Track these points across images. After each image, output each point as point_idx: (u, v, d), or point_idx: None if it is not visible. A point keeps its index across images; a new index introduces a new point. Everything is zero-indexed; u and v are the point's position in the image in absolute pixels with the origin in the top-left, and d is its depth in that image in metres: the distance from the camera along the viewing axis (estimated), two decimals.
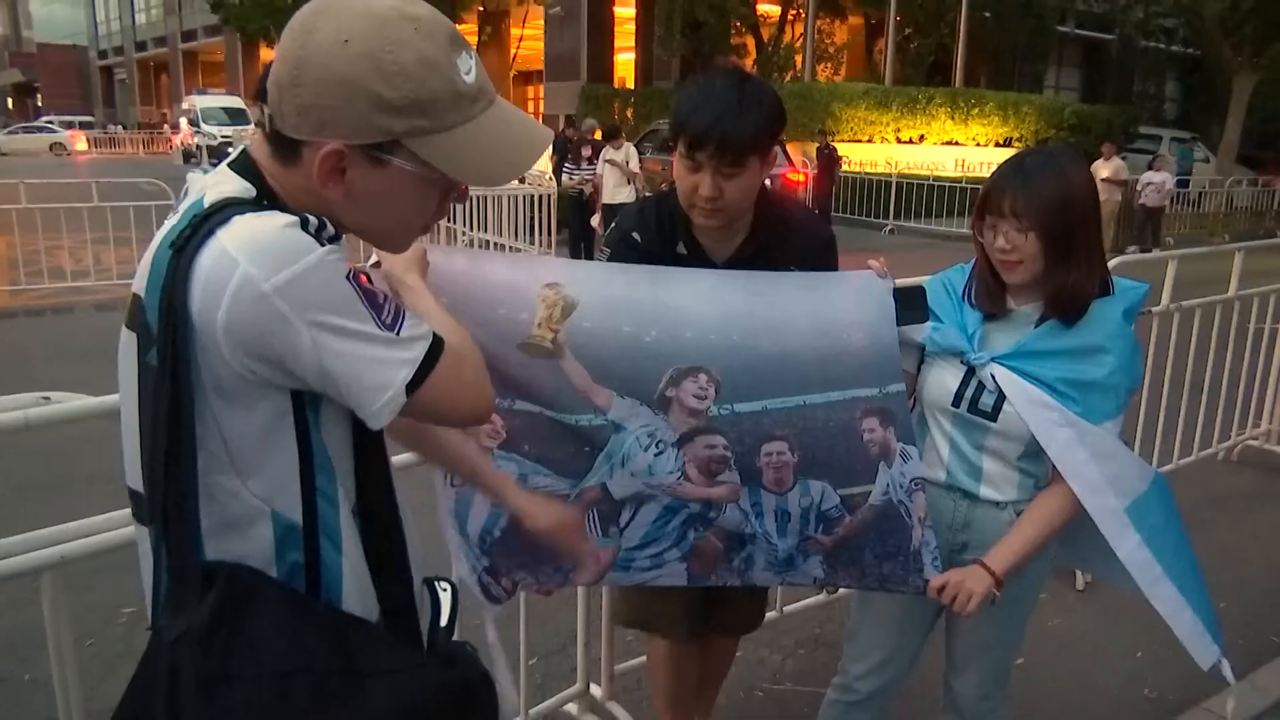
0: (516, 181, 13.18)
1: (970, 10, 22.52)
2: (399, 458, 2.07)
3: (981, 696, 2.02)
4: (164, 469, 1.05)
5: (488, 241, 11.43)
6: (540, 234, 11.29)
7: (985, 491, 1.89)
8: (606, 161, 10.96)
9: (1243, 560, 4.03)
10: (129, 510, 1.74)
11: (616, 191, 10.92)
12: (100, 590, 3.22)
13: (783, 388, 1.74)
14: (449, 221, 11.71)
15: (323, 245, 1.03)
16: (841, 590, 3.15)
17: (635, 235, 1.93)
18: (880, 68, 25.13)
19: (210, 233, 1.01)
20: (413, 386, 1.07)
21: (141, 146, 39.73)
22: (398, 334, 1.07)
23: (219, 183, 1.10)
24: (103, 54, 63.92)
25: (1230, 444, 5.00)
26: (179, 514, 1.06)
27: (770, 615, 3.16)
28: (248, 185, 1.10)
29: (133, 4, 57.55)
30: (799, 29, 26.57)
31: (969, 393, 1.85)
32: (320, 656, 1.08)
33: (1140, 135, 23.00)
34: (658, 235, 1.91)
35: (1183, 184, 18.36)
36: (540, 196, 11.42)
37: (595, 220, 11.17)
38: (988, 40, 27.12)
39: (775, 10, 28.07)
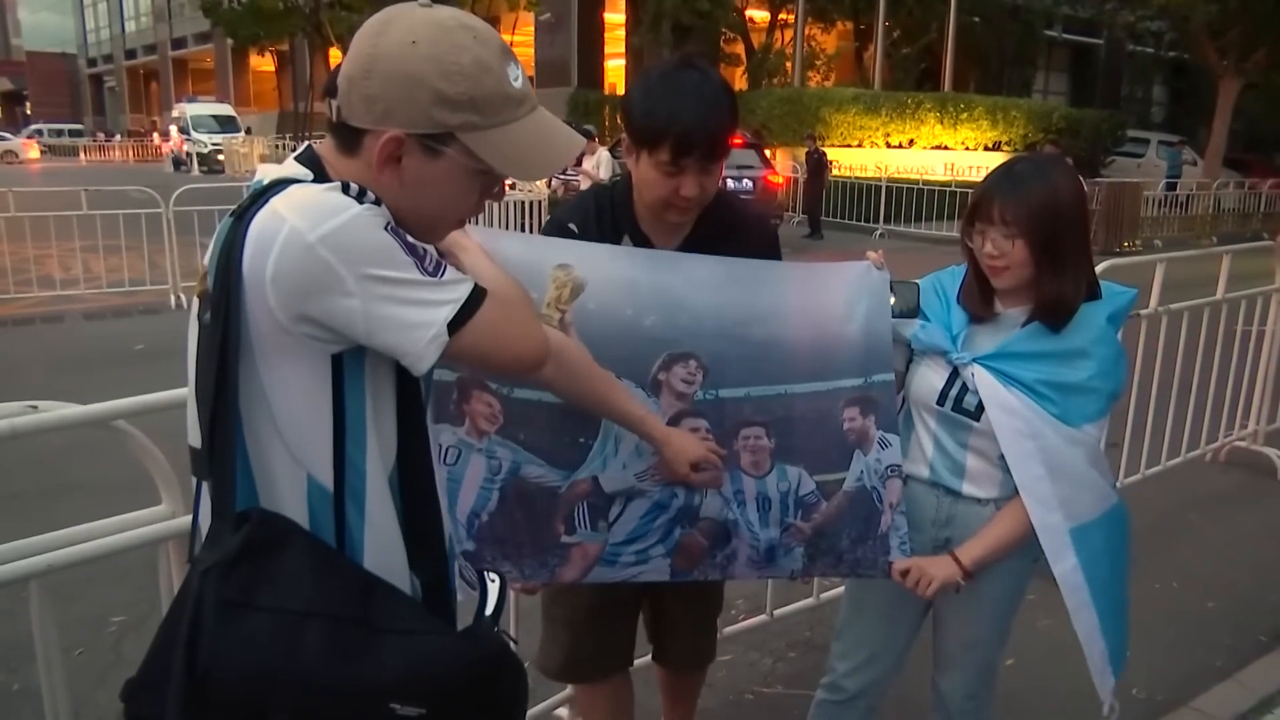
0: (506, 186, 13.23)
1: (958, 15, 22.64)
2: None
3: (967, 696, 2.03)
4: (211, 418, 1.14)
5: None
6: None
7: (968, 488, 1.92)
8: (581, 170, 10.82)
9: (1229, 560, 4.06)
10: (116, 518, 1.75)
11: None
12: (90, 599, 3.22)
13: (767, 376, 1.80)
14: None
15: (361, 204, 1.13)
16: (828, 593, 3.17)
17: (572, 226, 1.90)
18: (869, 73, 25.24)
19: (266, 200, 1.13)
20: (455, 326, 1.15)
21: (132, 154, 39.66)
22: (440, 278, 1.15)
23: (282, 168, 1.22)
24: (92, 62, 63.83)
25: (1218, 445, 5.04)
26: (222, 462, 1.15)
27: (760, 619, 3.18)
28: (307, 171, 1.21)
29: (122, 12, 57.49)
30: (788, 35, 26.65)
31: (954, 392, 1.88)
32: (340, 604, 1.13)
33: (1128, 139, 23.15)
34: (598, 227, 1.88)
35: (1171, 187, 18.48)
36: (531, 202, 11.43)
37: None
38: (976, 45, 27.28)
39: (765, 16, 28.17)
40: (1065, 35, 31.88)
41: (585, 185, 10.71)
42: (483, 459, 1.75)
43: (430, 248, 1.19)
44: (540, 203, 11.52)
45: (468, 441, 1.74)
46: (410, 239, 1.16)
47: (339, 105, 1.19)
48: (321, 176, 1.20)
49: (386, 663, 1.13)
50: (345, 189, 1.14)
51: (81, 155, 39.46)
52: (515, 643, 1.34)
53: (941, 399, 1.90)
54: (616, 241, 1.88)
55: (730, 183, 12.60)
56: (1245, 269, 5.07)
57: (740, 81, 27.76)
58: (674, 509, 1.81)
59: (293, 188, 1.14)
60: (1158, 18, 22.92)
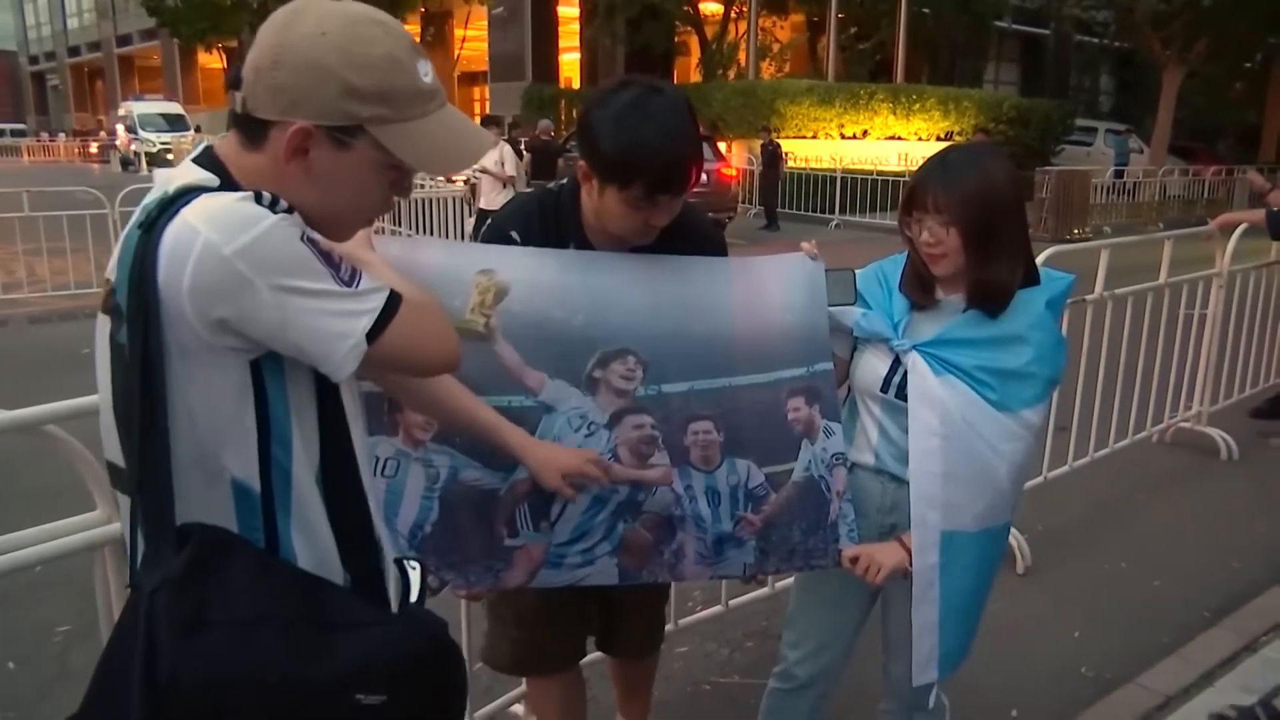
0: (461, 182, 13.15)
1: (910, 7, 22.85)
2: None
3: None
4: (139, 439, 1.13)
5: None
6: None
7: None
8: (478, 169, 10.16)
9: (1176, 539, 4.15)
10: (50, 525, 1.72)
11: (492, 195, 10.14)
12: (34, 608, 3.15)
13: (709, 369, 1.80)
14: (394, 225, 11.61)
15: (275, 214, 1.11)
16: (782, 582, 3.19)
17: (514, 234, 1.86)
18: (823, 65, 25.39)
19: (176, 211, 1.10)
20: (373, 335, 1.15)
21: (77, 154, 38.78)
22: (355, 288, 1.15)
23: (183, 174, 1.19)
24: (34, 59, 62.25)
25: (1163, 427, 5.15)
26: (154, 481, 1.14)
27: (716, 610, 3.19)
28: (211, 176, 1.18)
29: (64, 8, 56.12)
30: (742, 27, 26.72)
31: (896, 379, 1.90)
32: (289, 606, 1.14)
33: (1077, 128, 23.54)
34: (543, 234, 1.84)
35: (1119, 174, 18.83)
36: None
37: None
38: (927, 37, 27.54)
39: (718, 9, 28.21)
40: (1015, 26, 32.29)
41: (486, 182, 10.28)
42: (421, 468, 1.73)
43: (342, 256, 1.18)
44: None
45: (405, 451, 1.72)
46: (325, 249, 1.15)
47: (244, 97, 1.17)
48: (225, 180, 1.18)
49: (343, 657, 1.14)
50: (258, 198, 1.12)
51: (25, 155, 38.48)
52: (445, 622, 1.35)
53: (885, 386, 1.91)
54: (562, 249, 1.85)
55: None
56: (1188, 254, 5.18)
57: (694, 74, 27.81)
58: (614, 503, 1.80)
59: (204, 198, 1.12)
60: (1102, 7, 23.31)
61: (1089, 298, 4.36)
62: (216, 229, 1.07)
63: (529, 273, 1.73)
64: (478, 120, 10.88)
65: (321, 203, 1.20)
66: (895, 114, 20.98)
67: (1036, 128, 21.45)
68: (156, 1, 30.74)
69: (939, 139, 20.41)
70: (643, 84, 1.73)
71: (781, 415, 1.85)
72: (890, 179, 17.07)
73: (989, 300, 1.84)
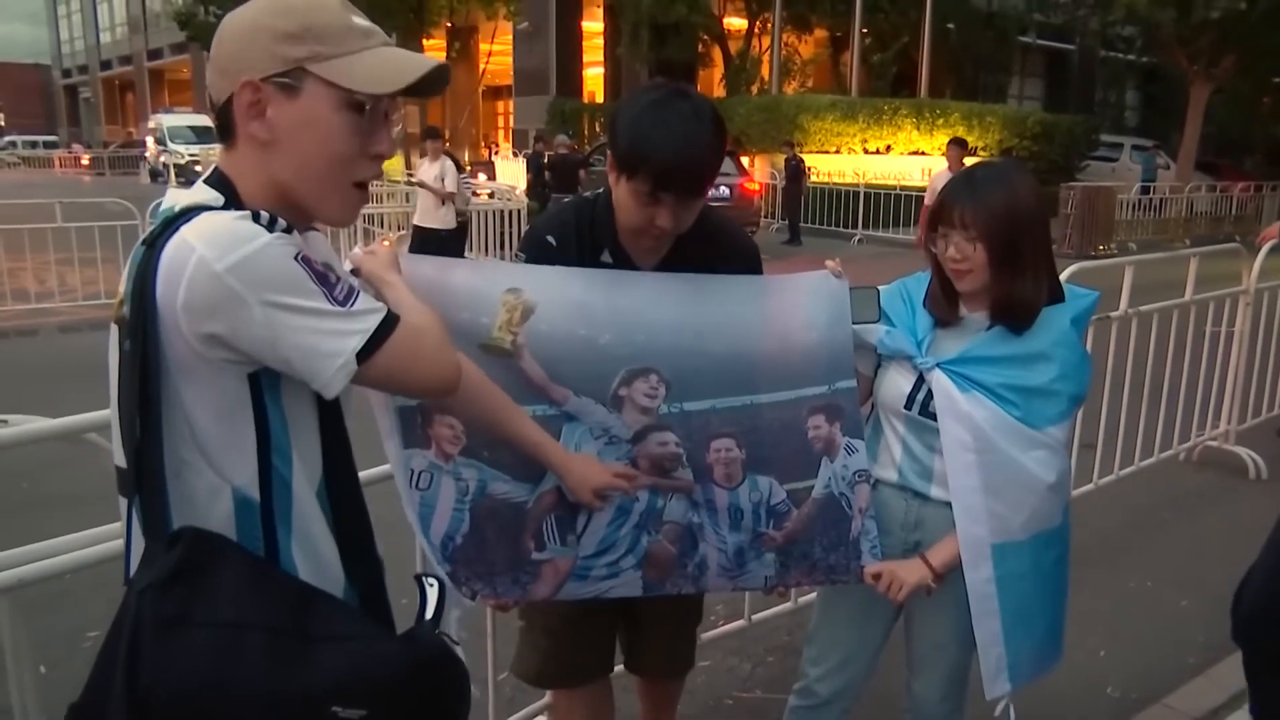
0: (486, 196, 13.24)
1: (933, 22, 22.82)
2: (375, 470, 2.09)
3: (940, 698, 2.05)
4: (136, 444, 1.15)
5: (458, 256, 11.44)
6: (510, 248, 11.30)
7: (936, 492, 1.93)
8: (415, 182, 9.32)
9: (1203, 558, 4.11)
10: (87, 532, 1.75)
11: (429, 213, 9.36)
12: (65, 614, 3.19)
13: (731, 387, 1.81)
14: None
15: (272, 233, 1.14)
16: (805, 597, 3.19)
17: (551, 239, 1.90)
18: (846, 80, 25.38)
19: (176, 229, 1.14)
20: (365, 355, 1.17)
21: (107, 166, 39.32)
22: (349, 308, 1.17)
23: (192, 194, 1.23)
24: (66, 73, 63.30)
25: (1190, 445, 5.10)
26: (151, 484, 1.16)
27: (739, 624, 3.19)
28: (217, 195, 1.22)
29: (97, 23, 57.06)
30: (765, 42, 26.79)
31: (920, 396, 1.91)
32: (276, 615, 1.15)
33: (1102, 143, 23.39)
34: (578, 243, 1.88)
35: (1145, 190, 18.68)
36: (510, 211, 11.44)
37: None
38: (951, 52, 27.49)
39: (742, 24, 28.30)
40: (1039, 41, 32.18)
41: (425, 198, 9.39)
42: (452, 481, 1.76)
43: (344, 275, 1.21)
44: (520, 211, 11.53)
45: (437, 464, 1.76)
46: (321, 268, 1.16)
47: (210, 95, 1.23)
48: (232, 198, 1.21)
49: (325, 669, 1.14)
50: (256, 217, 1.15)
51: (56, 166, 39.07)
52: (457, 644, 1.35)
53: (909, 403, 1.92)
54: (596, 256, 1.89)
55: None
56: (1214, 271, 5.14)
57: (718, 88, 27.87)
58: (637, 513, 1.82)
59: (203, 215, 1.15)
60: (1127, 22, 23.17)
61: (1114, 315, 4.34)
62: (210, 246, 1.10)
63: (555, 292, 1.76)
64: (424, 130, 10.43)
65: (300, 164, 1.23)
66: (919, 129, 20.92)
67: (1061, 143, 21.32)
68: (188, 16, 31.28)
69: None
70: (673, 88, 1.79)
71: (802, 433, 1.86)
72: (913, 194, 17.00)
73: (1014, 317, 1.84)
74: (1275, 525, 2.32)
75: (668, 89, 1.78)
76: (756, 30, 27.62)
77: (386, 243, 1.53)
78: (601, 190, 1.91)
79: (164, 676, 1.09)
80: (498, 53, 29.56)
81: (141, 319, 1.13)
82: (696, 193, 1.74)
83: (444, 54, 26.06)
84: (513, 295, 1.73)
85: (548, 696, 2.73)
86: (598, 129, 26.24)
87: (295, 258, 1.14)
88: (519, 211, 11.54)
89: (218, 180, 1.24)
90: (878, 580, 1.89)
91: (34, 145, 43.34)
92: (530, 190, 14.51)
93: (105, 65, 56.77)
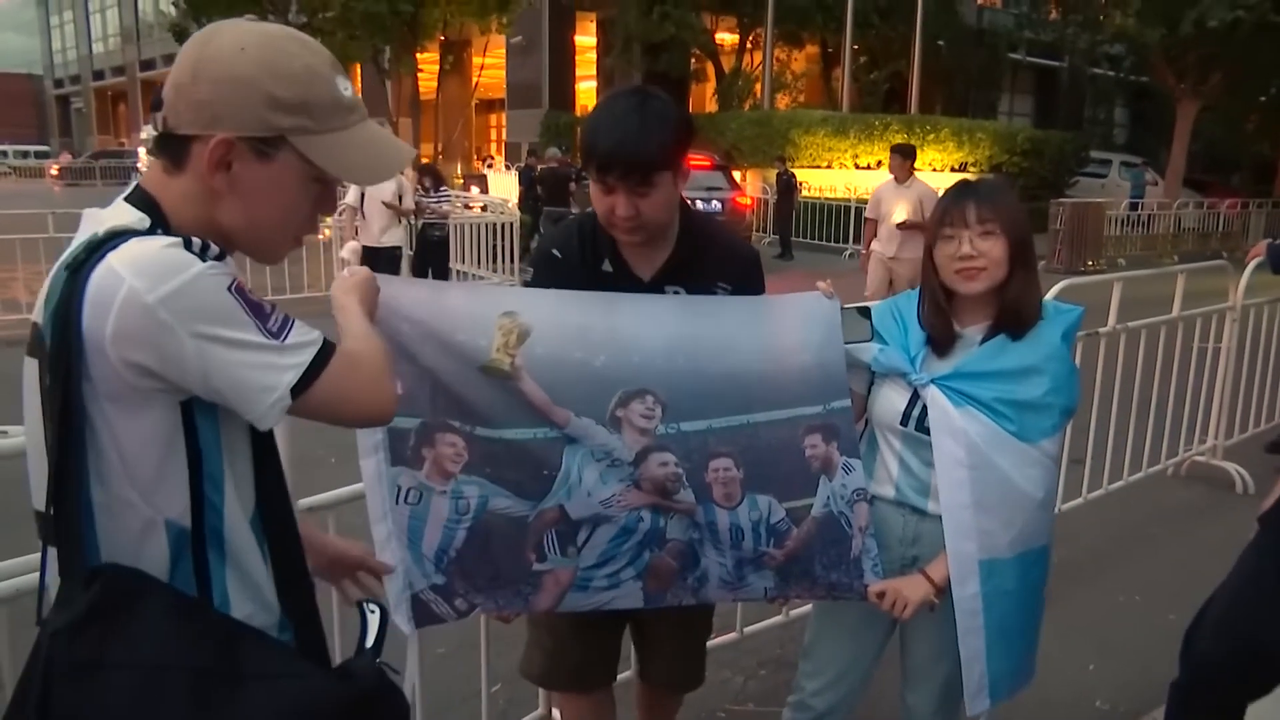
0: (479, 209, 13.24)
1: (924, 39, 22.99)
2: (347, 489, 2.10)
3: (934, 710, 2.07)
4: (56, 480, 1.12)
5: (452, 269, 11.43)
6: (502, 261, 11.31)
7: (933, 507, 1.95)
8: (381, 202, 8.46)
9: (1191, 572, 4.11)
10: None
11: (384, 232, 8.62)
12: None
13: (727, 407, 1.82)
14: (410, 250, 11.69)
15: (205, 262, 1.11)
16: (797, 610, 3.21)
17: (556, 253, 1.96)
18: (837, 95, 25.54)
19: (102, 256, 1.10)
20: (300, 389, 1.14)
21: (99, 177, 39.17)
22: (283, 341, 1.14)
23: (115, 215, 1.18)
24: (59, 83, 63.18)
25: (1178, 460, 5.14)
26: (72, 524, 1.13)
27: (730, 637, 3.20)
28: (142, 216, 1.17)
29: (90, 33, 56.99)
30: (758, 57, 26.94)
31: (915, 412, 1.93)
32: (199, 655, 1.12)
33: (1091, 160, 23.57)
34: (581, 253, 1.93)
35: (1134, 207, 18.82)
36: (502, 225, 11.45)
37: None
38: (942, 69, 27.70)
39: (734, 39, 28.47)
40: (1029, 58, 32.46)
41: (379, 219, 8.50)
42: (446, 499, 1.77)
43: (276, 306, 1.18)
44: (513, 224, 11.54)
45: (428, 485, 1.76)
46: (255, 299, 1.14)
47: (165, 116, 1.18)
48: (156, 218, 1.17)
49: (254, 708, 1.12)
50: (188, 244, 1.12)
51: (47, 176, 38.93)
52: (396, 673, 1.33)
53: (904, 419, 1.94)
54: (598, 266, 1.92)
55: (699, 204, 12.68)
56: (1201, 287, 5.19)
57: (710, 103, 28.00)
58: (641, 532, 1.83)
59: (132, 242, 1.11)
60: (1115, 40, 23.39)
61: (1102, 330, 4.38)
62: (140, 276, 1.07)
63: (550, 314, 1.78)
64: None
65: (248, 220, 1.21)
66: None
67: (1050, 159, 21.48)
68: (182, 27, 31.27)
69: (953, 170, 20.45)
70: (632, 88, 1.87)
71: (799, 451, 1.87)
72: None
73: (1019, 321, 1.88)
74: (1236, 566, 2.25)
75: (627, 89, 1.86)
76: (749, 45, 27.80)
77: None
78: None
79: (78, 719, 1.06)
80: (490, 66, 29.68)
81: (65, 350, 1.09)
82: (640, 178, 1.76)
83: (437, 67, 26.10)
84: (508, 319, 1.74)
85: (539, 709, 2.74)
86: None
87: (229, 288, 1.11)
88: (511, 225, 11.55)
89: (141, 200, 1.19)
90: (881, 598, 1.90)
91: (25, 155, 43.18)
92: (522, 203, 14.54)
93: (98, 75, 56.71)
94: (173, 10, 33.65)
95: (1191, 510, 4.90)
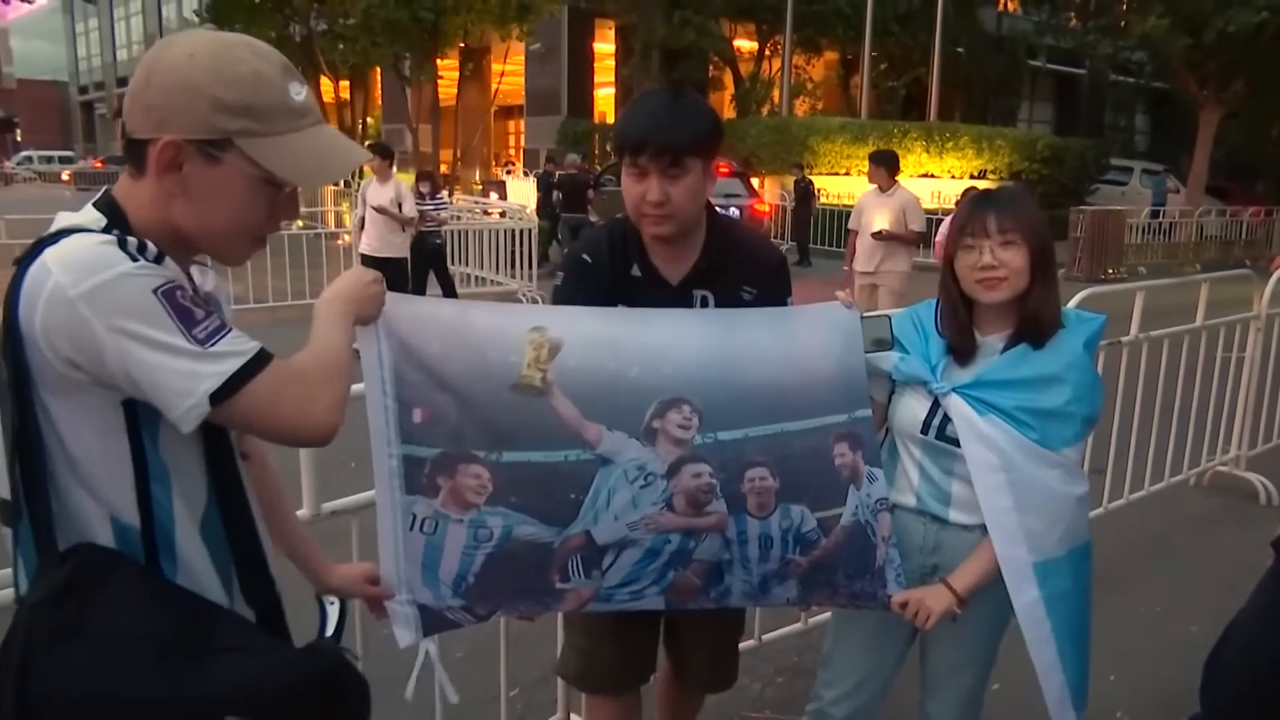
0: (498, 215, 13.29)
1: (943, 46, 22.93)
2: (369, 494, 2.10)
3: None
4: (18, 463, 1.16)
5: (470, 275, 11.49)
6: (521, 267, 11.34)
7: (954, 515, 1.95)
8: (372, 207, 8.07)
9: (1213, 583, 4.10)
10: None
11: (384, 241, 8.16)
12: None
13: (762, 416, 1.81)
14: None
15: (136, 262, 1.13)
16: (816, 618, 3.20)
17: (587, 258, 1.98)
18: (856, 102, 25.50)
19: (40, 251, 1.14)
20: (221, 397, 1.14)
21: (111, 182, 39.45)
22: (208, 348, 1.15)
23: (76, 216, 1.23)
24: (83, 89, 63.92)
25: (1200, 470, 5.10)
26: (38, 505, 1.16)
27: (749, 644, 3.19)
28: (100, 217, 1.21)
29: (114, 40, 57.66)
30: (776, 64, 26.94)
31: (936, 421, 1.92)
32: (171, 626, 1.16)
33: (1112, 167, 23.42)
34: (610, 258, 1.96)
35: (1155, 214, 18.68)
36: (521, 230, 11.49)
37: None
38: (961, 75, 27.60)
39: (753, 46, 28.48)
40: (1049, 65, 32.30)
41: (377, 225, 8.13)
42: (464, 528, 1.73)
43: (214, 313, 1.18)
44: (531, 230, 11.58)
45: (444, 513, 1.72)
46: (186, 304, 1.15)
47: (124, 121, 1.22)
48: (116, 220, 1.20)
49: (220, 679, 1.14)
50: (123, 244, 1.14)
51: (62, 182, 39.34)
52: (357, 659, 1.36)
53: (925, 428, 1.94)
54: (626, 271, 1.94)
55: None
56: (1225, 296, 5.15)
57: (728, 110, 28.01)
58: (667, 554, 1.80)
59: (69, 239, 1.14)
60: (1138, 48, 23.25)
61: (1124, 339, 4.35)
62: (67, 271, 1.10)
63: (580, 328, 1.77)
64: (367, 144, 9.87)
65: (201, 221, 1.23)
66: (929, 152, 20.98)
67: (1071, 167, 21.36)
68: None
69: (972, 177, 20.36)
70: (668, 86, 1.95)
71: (830, 460, 1.86)
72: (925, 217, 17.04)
73: (1039, 330, 1.87)
74: (1255, 593, 2.14)
75: (660, 87, 1.94)
76: (767, 53, 27.80)
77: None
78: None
79: (53, 687, 1.10)
80: (510, 73, 29.78)
81: (10, 341, 1.13)
82: (671, 159, 1.80)
83: (457, 73, 26.22)
84: (538, 333, 1.73)
85: (558, 714, 2.75)
86: (608, 149, 26.40)
87: (155, 290, 1.12)
88: (530, 231, 11.58)
89: (107, 204, 1.23)
90: (904, 608, 1.89)
91: (49, 160, 43.66)
92: (540, 209, 14.58)
93: (121, 82, 57.27)
94: (195, 18, 34.07)
95: (1214, 521, 4.86)
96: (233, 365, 1.16)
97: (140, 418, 1.17)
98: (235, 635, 1.21)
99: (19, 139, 62.06)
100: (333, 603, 1.41)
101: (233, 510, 1.28)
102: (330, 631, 1.39)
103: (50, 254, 1.13)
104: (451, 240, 11.71)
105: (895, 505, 1.98)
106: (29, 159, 44.26)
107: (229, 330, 1.18)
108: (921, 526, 1.98)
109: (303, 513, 2.05)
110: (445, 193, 10.85)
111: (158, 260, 1.17)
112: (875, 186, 7.79)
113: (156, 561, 1.21)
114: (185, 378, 1.13)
